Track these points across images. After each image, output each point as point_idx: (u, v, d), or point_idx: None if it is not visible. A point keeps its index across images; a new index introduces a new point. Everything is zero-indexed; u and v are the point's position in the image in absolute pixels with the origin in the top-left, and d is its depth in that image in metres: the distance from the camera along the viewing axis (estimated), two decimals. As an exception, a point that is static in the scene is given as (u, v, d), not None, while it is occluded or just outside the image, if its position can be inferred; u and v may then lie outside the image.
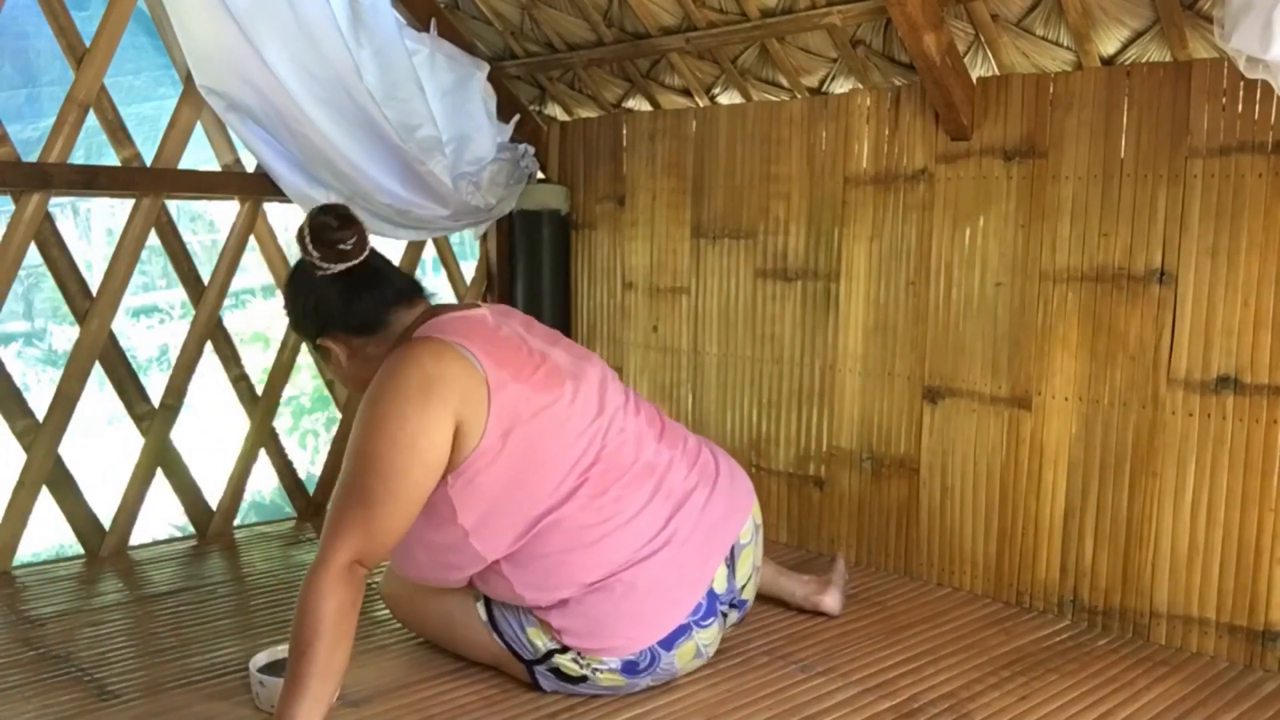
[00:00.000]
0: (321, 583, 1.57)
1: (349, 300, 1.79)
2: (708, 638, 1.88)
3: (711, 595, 1.87)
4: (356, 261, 1.77)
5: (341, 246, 1.75)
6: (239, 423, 2.87)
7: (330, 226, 1.75)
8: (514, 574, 1.77)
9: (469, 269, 3.36)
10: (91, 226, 5.88)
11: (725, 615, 1.94)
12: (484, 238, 3.30)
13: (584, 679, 1.80)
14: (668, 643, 1.81)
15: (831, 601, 2.21)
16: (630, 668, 1.80)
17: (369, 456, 1.63)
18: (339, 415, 3.06)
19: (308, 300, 1.82)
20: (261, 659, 1.84)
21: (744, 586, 1.98)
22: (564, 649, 1.79)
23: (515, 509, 1.74)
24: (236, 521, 2.87)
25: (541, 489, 1.74)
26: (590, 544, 1.76)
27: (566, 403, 1.77)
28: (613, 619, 1.77)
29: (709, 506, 1.88)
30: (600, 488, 1.77)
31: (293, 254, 2.96)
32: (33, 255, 2.44)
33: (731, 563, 1.92)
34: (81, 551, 2.60)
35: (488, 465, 1.70)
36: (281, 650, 1.85)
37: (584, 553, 1.76)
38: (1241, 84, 1.93)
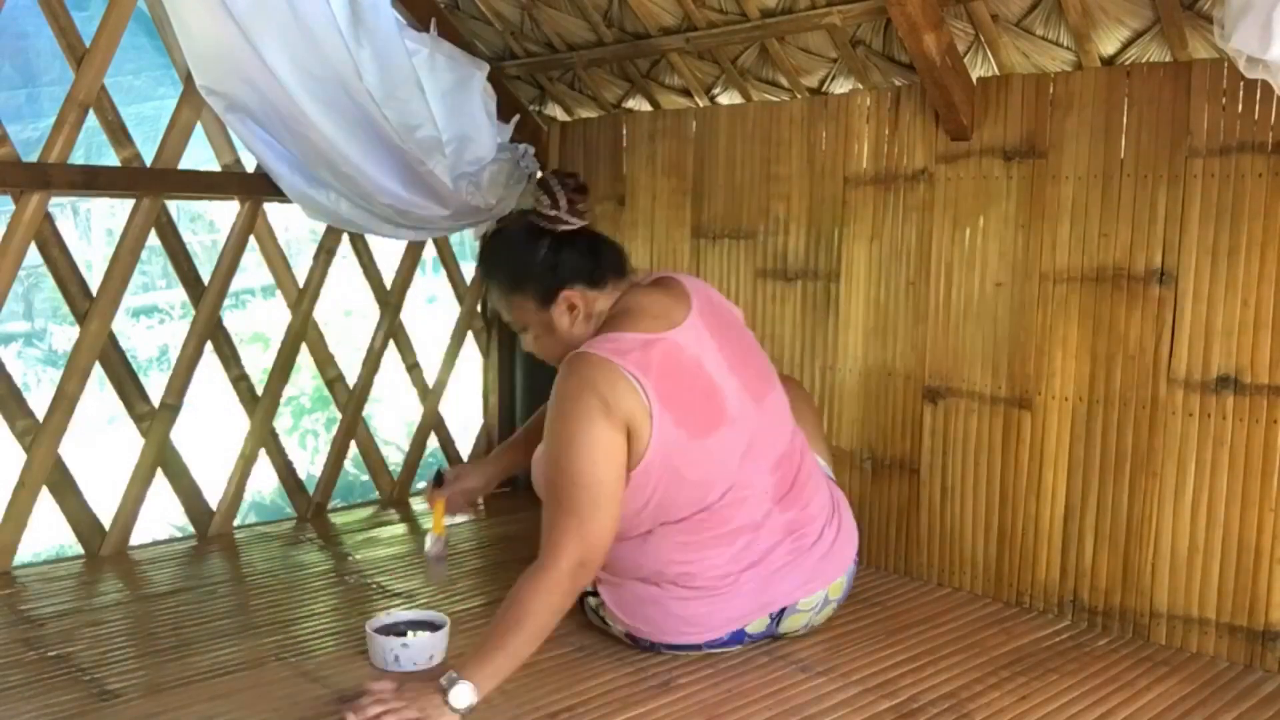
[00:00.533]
0: (544, 580, 1.72)
1: (596, 253, 1.93)
2: (724, 651, 2.00)
3: (740, 633, 1.98)
4: (586, 223, 1.93)
5: (579, 207, 1.90)
6: (239, 423, 2.87)
7: (569, 187, 1.90)
8: None
9: (469, 269, 3.36)
10: (91, 226, 5.88)
11: (754, 643, 2.03)
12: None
13: (603, 621, 2.03)
14: (671, 646, 1.98)
15: None
16: (632, 639, 2.00)
17: (571, 474, 1.77)
18: (339, 415, 3.07)
19: (552, 254, 1.90)
20: (385, 619, 1.97)
21: (788, 632, 2.06)
22: (596, 593, 2.01)
23: (627, 519, 1.86)
24: (236, 522, 2.87)
25: (655, 516, 1.89)
26: (668, 554, 1.91)
27: (713, 452, 1.86)
28: (635, 608, 1.96)
29: (776, 576, 1.96)
30: (694, 534, 1.90)
31: (293, 255, 2.99)
32: (33, 255, 2.43)
33: (779, 617, 2.00)
34: (81, 551, 2.60)
35: (643, 476, 1.83)
36: (390, 615, 2.01)
37: (650, 564, 1.92)
38: (1241, 84, 1.93)
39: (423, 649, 1.90)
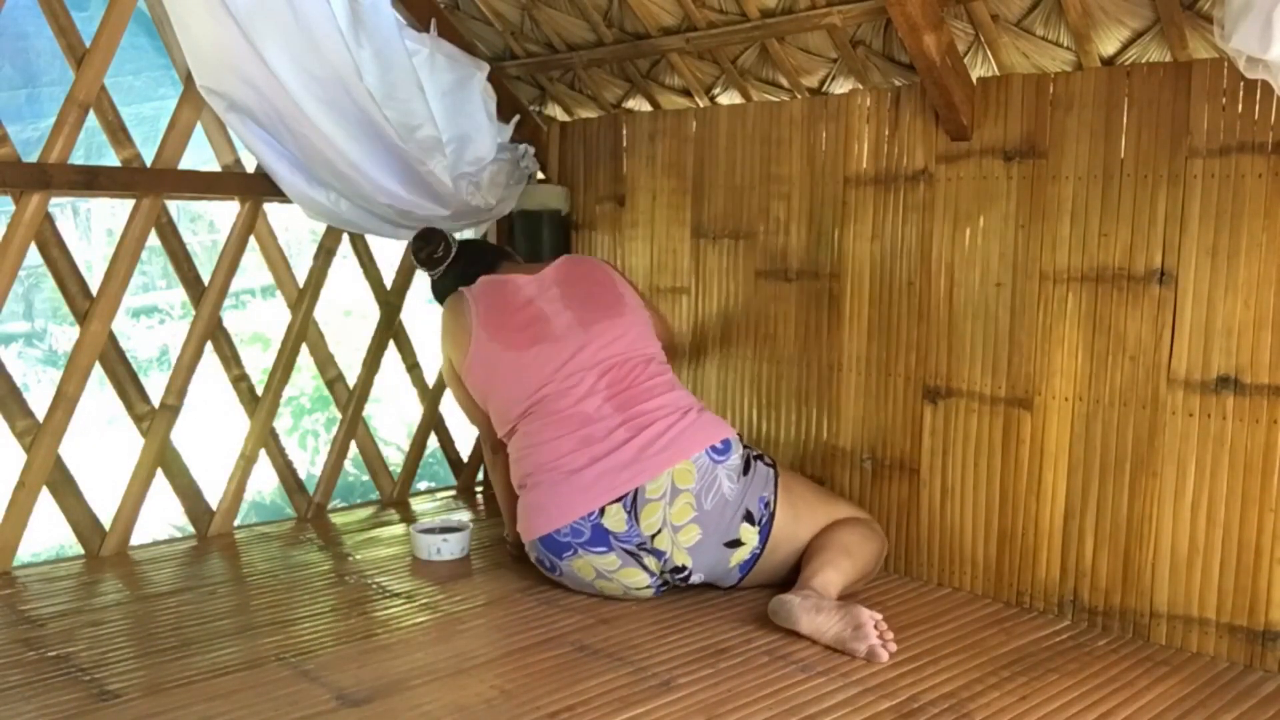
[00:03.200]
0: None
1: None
2: (606, 565, 2.22)
3: (600, 529, 2.19)
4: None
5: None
6: (239, 423, 2.87)
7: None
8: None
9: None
10: (91, 226, 5.88)
11: (641, 560, 2.22)
12: (484, 238, 3.29)
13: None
14: (556, 551, 2.24)
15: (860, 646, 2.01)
16: (540, 563, 2.32)
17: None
18: (339, 415, 3.07)
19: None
20: (423, 524, 2.73)
21: (655, 535, 2.19)
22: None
23: (496, 415, 2.42)
24: (237, 522, 2.87)
25: (501, 406, 2.38)
26: (523, 455, 2.32)
27: (526, 361, 2.34)
28: (520, 510, 2.32)
29: (611, 457, 2.22)
30: (536, 422, 2.31)
31: (293, 255, 3.00)
32: (33, 255, 2.44)
33: (633, 510, 2.18)
34: (81, 551, 2.60)
35: (470, 380, 2.42)
36: (430, 521, 2.79)
37: (518, 465, 2.34)
38: (1241, 84, 1.94)
39: (457, 543, 2.63)
